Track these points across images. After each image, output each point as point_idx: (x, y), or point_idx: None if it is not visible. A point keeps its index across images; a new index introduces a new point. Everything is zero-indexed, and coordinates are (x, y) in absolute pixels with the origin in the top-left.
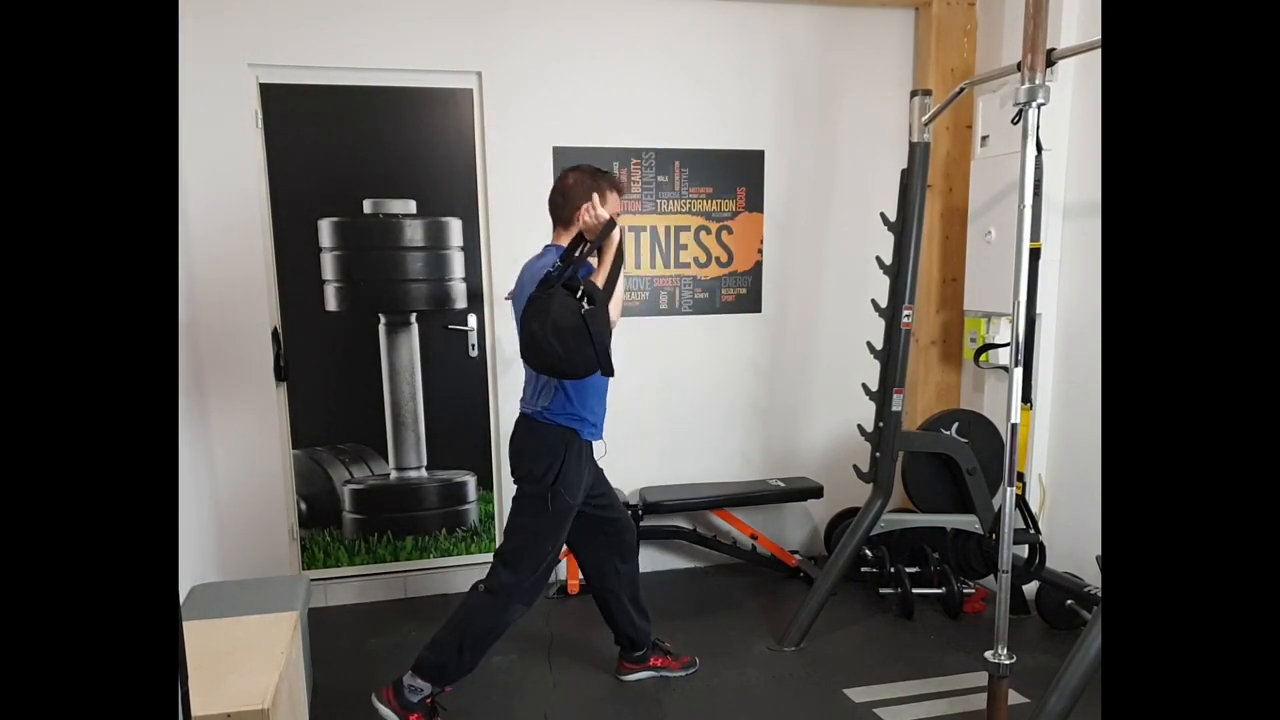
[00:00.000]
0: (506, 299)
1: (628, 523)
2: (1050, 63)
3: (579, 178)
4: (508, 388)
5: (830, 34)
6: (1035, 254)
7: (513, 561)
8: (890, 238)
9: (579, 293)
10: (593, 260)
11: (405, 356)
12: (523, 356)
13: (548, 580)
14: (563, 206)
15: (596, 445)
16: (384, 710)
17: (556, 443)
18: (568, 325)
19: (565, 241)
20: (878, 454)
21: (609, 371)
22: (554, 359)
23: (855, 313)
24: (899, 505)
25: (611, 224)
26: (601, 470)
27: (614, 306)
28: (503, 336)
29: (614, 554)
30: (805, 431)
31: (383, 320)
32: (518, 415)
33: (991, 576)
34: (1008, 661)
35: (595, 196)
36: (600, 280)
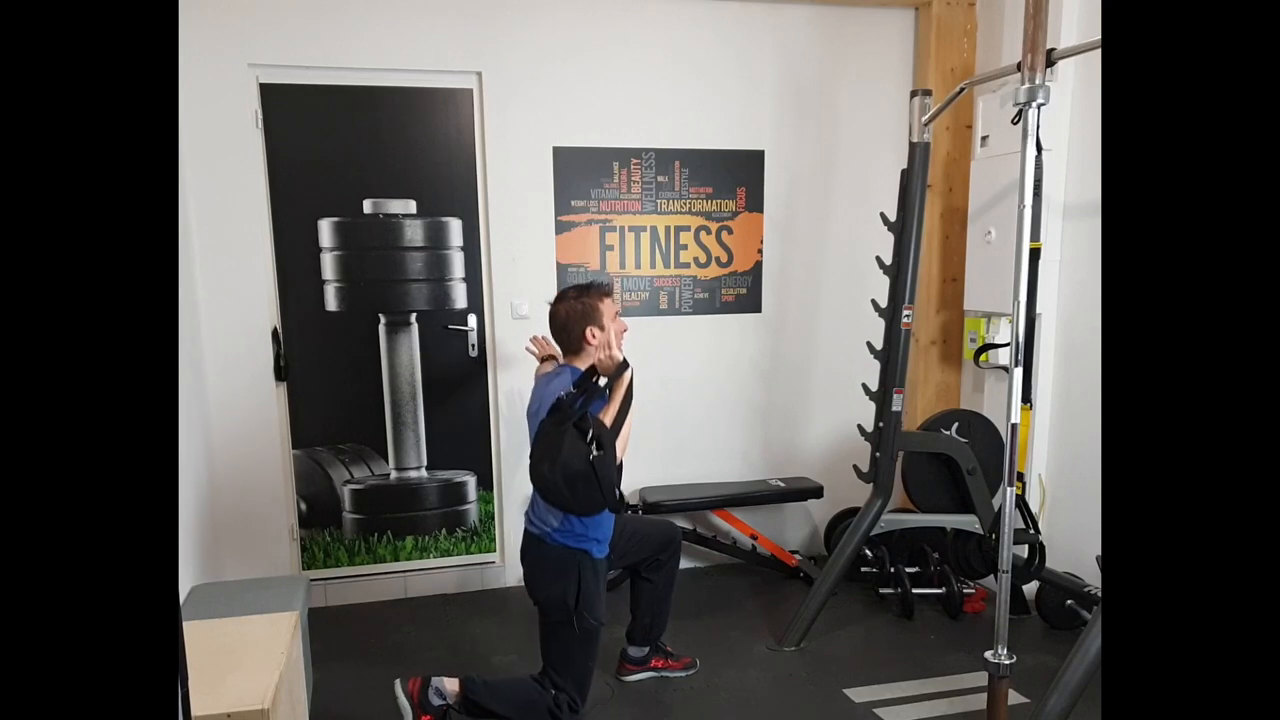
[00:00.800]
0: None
1: (669, 532)
2: (1050, 63)
3: (568, 306)
4: (508, 388)
5: (830, 34)
6: (1035, 254)
7: (562, 684)
8: (890, 238)
9: (588, 436)
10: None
11: (405, 356)
12: (534, 486)
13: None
14: (566, 340)
15: None
16: (402, 699)
17: (570, 566)
18: (577, 470)
19: (579, 364)
20: (878, 454)
21: (617, 509)
22: (563, 501)
23: (855, 313)
24: (899, 505)
25: (625, 365)
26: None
27: (620, 443)
28: (503, 338)
29: (661, 550)
30: (805, 431)
31: (383, 320)
32: (524, 532)
33: (991, 576)
34: (1008, 661)
35: (605, 325)
36: (609, 418)
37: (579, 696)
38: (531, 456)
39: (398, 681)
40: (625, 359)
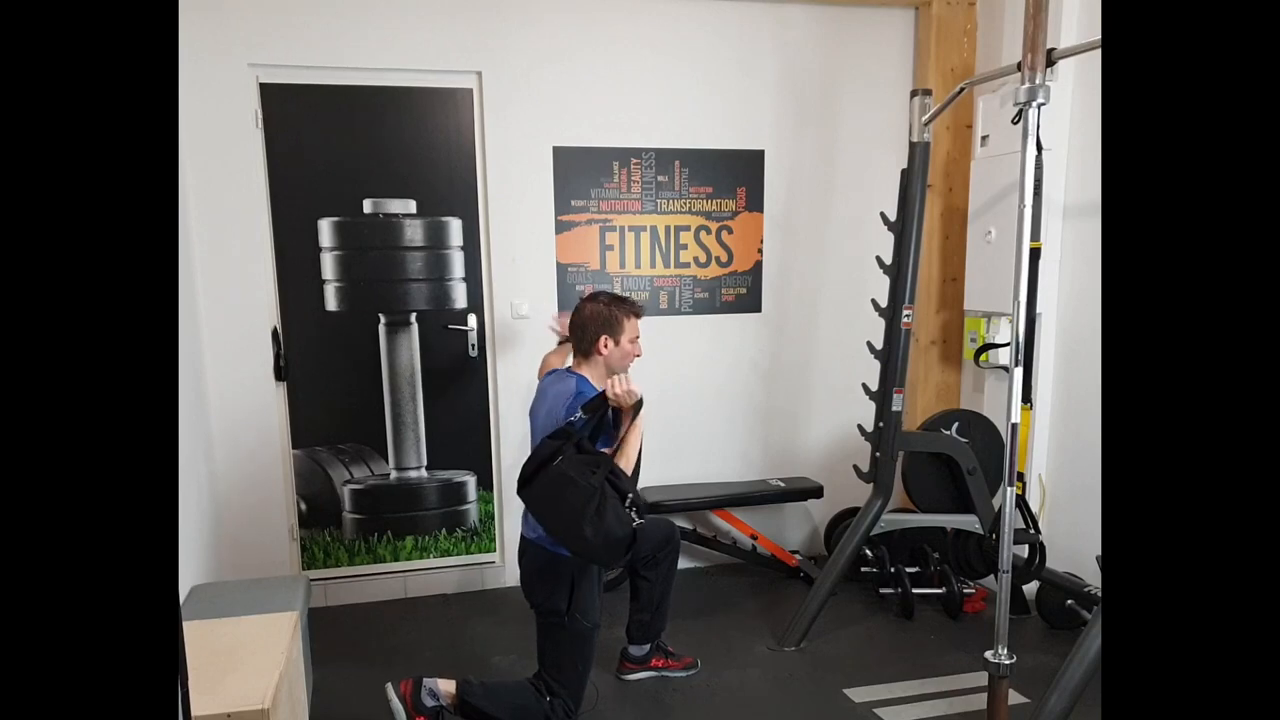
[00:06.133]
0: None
1: (668, 531)
2: (1050, 63)
3: (595, 309)
4: (508, 387)
5: (830, 34)
6: (1035, 254)
7: (556, 686)
8: (890, 238)
9: (627, 500)
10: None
11: (405, 356)
12: (548, 526)
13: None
14: (579, 339)
15: None
16: (395, 702)
17: (565, 571)
18: (619, 537)
19: (586, 371)
20: (878, 454)
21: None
22: (587, 552)
23: (855, 313)
24: (899, 505)
25: (640, 404)
26: None
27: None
28: (503, 338)
29: (659, 548)
30: (805, 431)
31: (383, 320)
32: (520, 539)
33: (991, 576)
34: (1008, 661)
35: (621, 341)
36: (626, 463)
37: (573, 700)
38: (566, 523)
39: (389, 685)
40: (640, 399)
